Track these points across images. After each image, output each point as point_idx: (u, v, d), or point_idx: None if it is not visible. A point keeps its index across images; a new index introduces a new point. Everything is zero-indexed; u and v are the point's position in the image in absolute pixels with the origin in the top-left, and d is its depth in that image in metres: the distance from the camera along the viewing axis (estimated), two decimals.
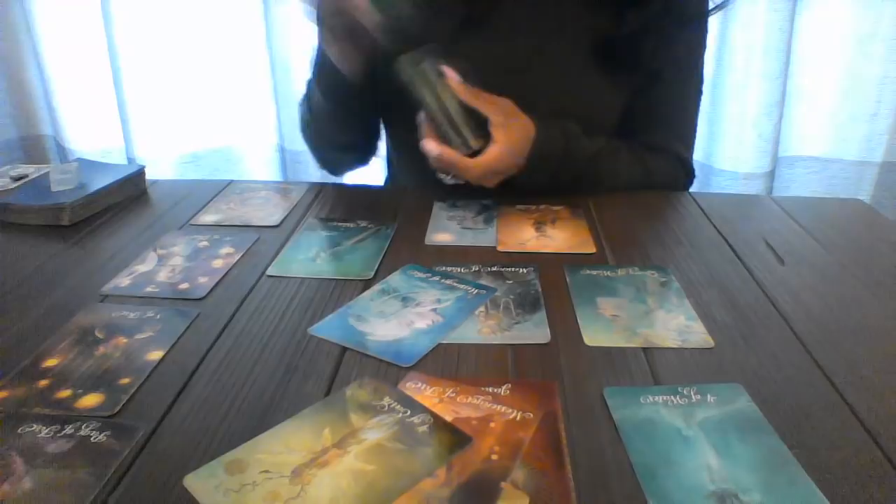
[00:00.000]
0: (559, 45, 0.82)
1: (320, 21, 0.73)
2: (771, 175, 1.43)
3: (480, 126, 0.72)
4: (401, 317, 0.56)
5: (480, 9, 0.81)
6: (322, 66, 0.82)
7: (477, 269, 0.64)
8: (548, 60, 0.82)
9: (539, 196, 0.80)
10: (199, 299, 0.59)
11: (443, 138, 0.72)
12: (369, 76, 0.79)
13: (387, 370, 0.49)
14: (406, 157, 0.95)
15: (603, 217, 0.77)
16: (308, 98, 0.89)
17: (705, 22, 0.87)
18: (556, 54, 0.82)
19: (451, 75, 0.71)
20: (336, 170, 1.00)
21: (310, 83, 0.87)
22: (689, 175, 0.93)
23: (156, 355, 0.51)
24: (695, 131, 0.93)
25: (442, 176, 0.77)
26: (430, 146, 0.72)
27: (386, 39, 0.70)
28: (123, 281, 0.62)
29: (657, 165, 0.88)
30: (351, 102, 0.84)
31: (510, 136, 0.72)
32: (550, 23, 0.82)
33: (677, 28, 0.82)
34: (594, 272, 0.64)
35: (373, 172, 1.03)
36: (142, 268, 0.65)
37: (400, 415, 0.44)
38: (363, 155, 0.97)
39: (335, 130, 0.90)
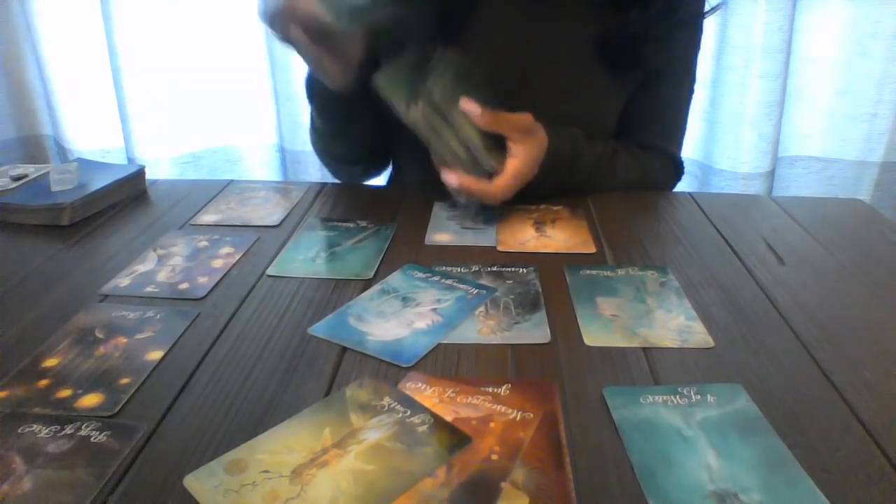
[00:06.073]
0: (560, 50, 0.82)
1: (280, 35, 0.69)
2: (771, 175, 1.43)
3: (500, 143, 0.70)
4: (401, 317, 0.56)
5: (468, 11, 0.81)
6: (311, 82, 0.81)
7: (477, 269, 0.64)
8: (549, 65, 0.82)
9: (540, 199, 0.80)
10: (199, 299, 0.59)
11: (462, 169, 0.70)
12: (362, 89, 0.74)
13: (387, 370, 0.49)
14: (410, 156, 0.95)
15: (603, 217, 0.77)
16: (311, 113, 0.89)
17: (701, 23, 0.87)
18: (556, 58, 0.82)
19: (471, 108, 0.67)
20: (346, 179, 0.99)
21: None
22: (680, 173, 0.95)
23: (156, 355, 0.51)
24: (685, 130, 0.94)
25: (459, 199, 0.76)
26: (451, 179, 0.70)
27: (360, 44, 0.65)
28: (123, 281, 0.62)
29: (651, 166, 0.89)
30: (345, 117, 0.83)
31: (528, 149, 0.71)
32: (550, 27, 0.82)
33: (675, 29, 0.83)
34: (594, 272, 0.64)
35: None
36: (142, 268, 0.65)
37: (400, 415, 0.44)
38: (372, 167, 0.97)
39: (335, 143, 0.90)
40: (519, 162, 0.70)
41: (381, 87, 0.69)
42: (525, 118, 0.71)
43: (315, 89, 0.81)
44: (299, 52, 0.70)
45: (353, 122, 0.84)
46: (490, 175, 0.70)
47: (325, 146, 0.93)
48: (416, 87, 0.68)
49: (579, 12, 0.82)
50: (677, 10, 0.81)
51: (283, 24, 0.66)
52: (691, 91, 0.91)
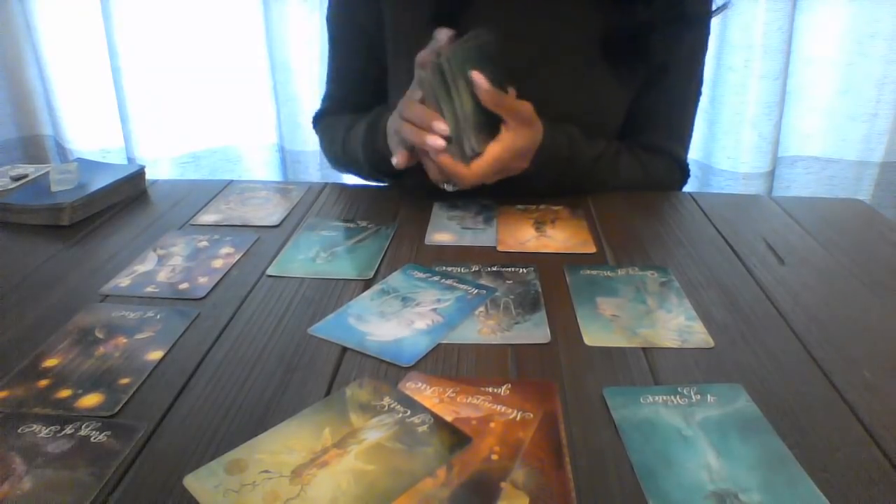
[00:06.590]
0: (565, 46, 0.82)
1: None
2: (771, 175, 1.43)
3: (492, 127, 0.70)
4: (401, 317, 0.56)
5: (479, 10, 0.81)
6: (379, 162, 0.82)
7: (477, 269, 0.64)
8: (553, 63, 0.82)
9: (539, 197, 0.80)
10: (199, 299, 0.59)
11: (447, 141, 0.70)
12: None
13: (387, 370, 0.49)
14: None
15: (603, 217, 0.77)
16: (341, 145, 0.91)
17: (707, 23, 0.87)
18: (562, 55, 0.82)
19: (480, 80, 0.67)
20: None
21: (346, 141, 0.89)
22: (685, 176, 0.94)
23: (156, 355, 0.51)
24: (692, 133, 0.94)
25: (442, 185, 0.76)
26: (433, 141, 0.68)
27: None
28: (123, 281, 0.62)
29: (655, 167, 0.89)
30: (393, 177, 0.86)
31: (516, 138, 0.71)
32: (553, 24, 0.82)
33: (681, 27, 0.82)
34: (594, 272, 0.64)
35: None
36: (142, 268, 0.65)
37: (400, 415, 0.44)
38: None
39: (365, 178, 0.93)
40: (501, 148, 0.70)
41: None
42: (526, 107, 0.71)
43: (376, 162, 0.83)
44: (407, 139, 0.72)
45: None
46: (469, 158, 0.70)
47: (354, 172, 0.96)
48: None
49: (583, 8, 0.82)
50: (682, 3, 0.80)
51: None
52: (698, 93, 0.91)
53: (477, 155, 0.69)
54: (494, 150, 0.70)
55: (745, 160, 1.40)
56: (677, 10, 0.80)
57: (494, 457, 0.40)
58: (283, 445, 0.41)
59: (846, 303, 0.59)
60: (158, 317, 0.56)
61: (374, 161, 0.83)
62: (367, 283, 0.61)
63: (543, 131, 0.74)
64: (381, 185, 0.97)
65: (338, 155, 0.95)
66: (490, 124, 0.70)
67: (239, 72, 1.48)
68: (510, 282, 0.61)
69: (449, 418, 0.43)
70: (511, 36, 0.81)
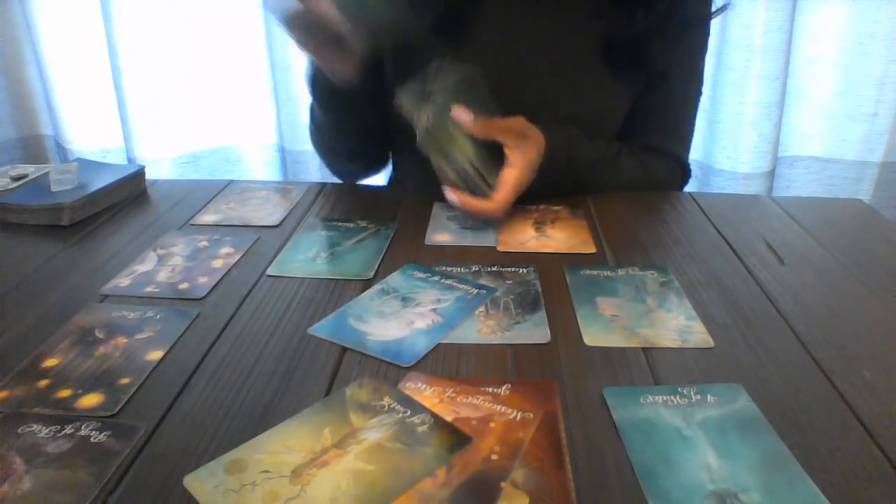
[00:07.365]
0: (566, 49, 0.82)
1: (292, 31, 0.69)
2: (771, 175, 1.43)
3: (498, 155, 0.71)
4: (401, 317, 0.56)
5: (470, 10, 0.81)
6: (313, 76, 0.81)
7: (477, 269, 0.64)
8: (554, 65, 0.82)
9: (538, 200, 0.80)
10: (199, 299, 0.59)
11: (462, 186, 0.71)
12: (367, 82, 0.76)
13: (387, 370, 0.49)
14: (410, 155, 0.95)
15: (603, 217, 0.77)
16: (311, 108, 0.89)
17: (707, 25, 0.87)
18: (563, 58, 0.82)
19: (463, 118, 0.68)
20: (347, 178, 0.99)
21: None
22: (686, 176, 0.94)
23: (156, 355, 0.51)
24: (692, 133, 0.93)
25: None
26: (451, 197, 0.71)
27: (365, 41, 0.66)
28: (123, 281, 0.62)
29: (656, 168, 0.89)
30: (347, 111, 0.83)
31: (525, 154, 0.71)
32: (554, 28, 0.82)
33: (681, 30, 0.82)
34: (594, 272, 0.64)
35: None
36: (142, 268, 0.65)
37: (400, 415, 0.44)
38: (372, 163, 0.97)
39: (337, 139, 0.90)
40: (517, 171, 0.71)
41: (402, 104, 0.69)
42: (517, 121, 0.71)
43: (318, 82, 0.81)
44: (303, 47, 0.70)
45: (355, 115, 0.84)
46: (489, 193, 0.71)
47: (327, 143, 0.93)
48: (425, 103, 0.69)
49: (584, 13, 0.82)
50: (682, 9, 0.80)
51: (295, 25, 0.67)
52: (698, 93, 0.91)
53: (489, 194, 0.71)
54: (512, 176, 0.70)
55: (745, 160, 1.40)
56: (678, 16, 0.80)
57: (494, 457, 0.40)
58: (283, 445, 0.41)
59: (846, 303, 0.59)
60: (158, 317, 0.56)
61: (318, 88, 0.82)
62: (367, 283, 0.61)
63: (545, 136, 0.74)
64: (381, 185, 0.97)
65: (311, 126, 0.92)
66: (494, 153, 0.71)
67: (239, 72, 1.48)
68: (510, 282, 0.61)
69: (449, 418, 0.43)
70: (512, 40, 0.82)
